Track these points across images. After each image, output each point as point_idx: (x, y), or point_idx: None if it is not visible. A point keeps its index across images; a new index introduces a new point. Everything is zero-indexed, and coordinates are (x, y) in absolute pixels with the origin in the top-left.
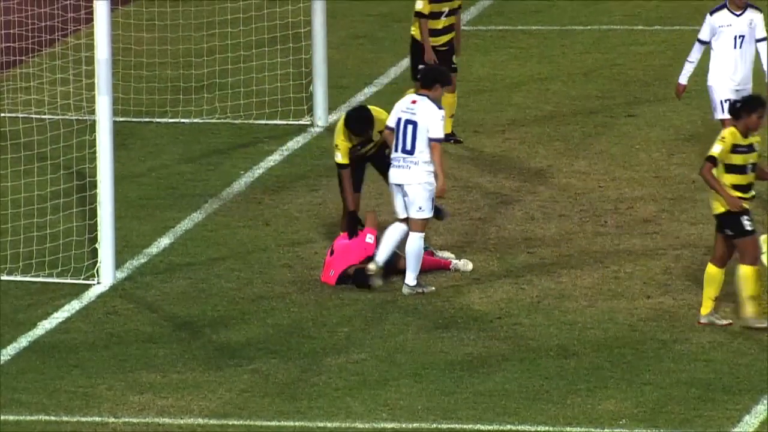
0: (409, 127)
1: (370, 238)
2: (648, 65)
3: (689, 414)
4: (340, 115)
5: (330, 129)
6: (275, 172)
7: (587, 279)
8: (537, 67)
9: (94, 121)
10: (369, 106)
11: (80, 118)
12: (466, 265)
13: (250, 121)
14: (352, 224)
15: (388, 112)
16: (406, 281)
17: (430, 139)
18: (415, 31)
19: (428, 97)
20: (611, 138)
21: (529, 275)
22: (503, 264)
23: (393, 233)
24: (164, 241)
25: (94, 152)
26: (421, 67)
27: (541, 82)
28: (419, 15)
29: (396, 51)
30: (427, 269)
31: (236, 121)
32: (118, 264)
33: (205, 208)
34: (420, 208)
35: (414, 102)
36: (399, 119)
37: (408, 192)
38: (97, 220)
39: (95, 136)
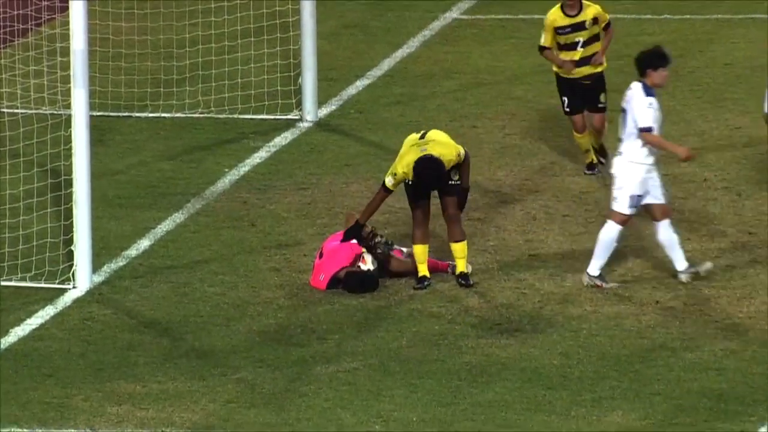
0: (622, 115)
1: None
2: None
3: (701, 426)
4: (329, 110)
5: (320, 124)
6: (261, 170)
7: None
8: (539, 58)
9: (70, 115)
10: (438, 156)
11: (55, 112)
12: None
13: (235, 116)
14: (354, 233)
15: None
16: (589, 269)
17: (638, 129)
18: (555, 68)
19: (643, 83)
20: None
21: (531, 279)
22: (503, 267)
23: (604, 234)
24: (144, 243)
25: (70, 149)
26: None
27: (543, 74)
28: (542, 49)
29: (390, 41)
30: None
31: (220, 116)
32: (95, 267)
33: (188, 208)
34: (614, 198)
35: (630, 89)
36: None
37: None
38: (72, 221)
39: (71, 131)
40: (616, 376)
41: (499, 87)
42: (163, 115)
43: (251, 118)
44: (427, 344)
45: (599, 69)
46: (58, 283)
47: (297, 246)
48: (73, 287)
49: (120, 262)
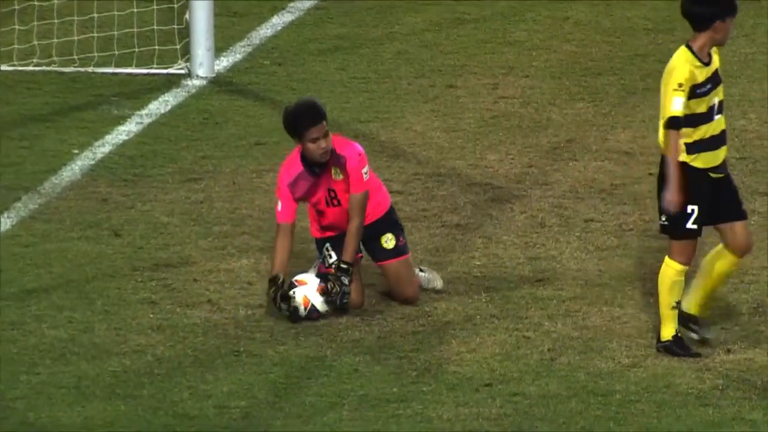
0: None
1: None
2: None
3: None
4: (233, 61)
5: (218, 81)
6: (130, 152)
7: (630, 322)
8: None
9: None
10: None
11: None
12: (433, 280)
13: (90, 70)
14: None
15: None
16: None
17: None
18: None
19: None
20: None
21: (538, 316)
22: (496, 298)
23: None
24: None
25: None
26: None
27: (557, 7)
28: (675, 123)
29: None
30: None
31: (66, 70)
32: None
33: (16, 210)
34: None
35: None
36: None
37: None
38: None
39: None
40: None
41: (488, 26)
42: None
43: (114, 73)
44: (380, 413)
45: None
46: None
47: (183, 267)
48: None
49: None
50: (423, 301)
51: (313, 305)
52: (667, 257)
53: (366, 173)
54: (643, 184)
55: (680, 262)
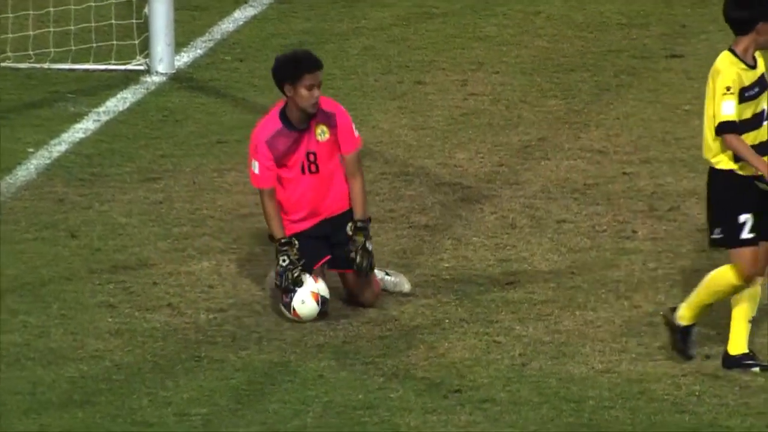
0: None
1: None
2: None
3: None
4: (193, 57)
5: (179, 78)
6: (87, 150)
7: (604, 326)
8: None
9: None
10: None
11: None
12: (400, 284)
13: (46, 66)
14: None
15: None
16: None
17: None
18: (729, 161)
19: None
20: (643, 93)
21: (508, 320)
22: (465, 301)
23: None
24: None
25: None
26: None
27: (528, 1)
28: (729, 127)
29: None
30: None
31: (22, 66)
32: None
33: None
34: None
35: None
36: None
37: None
38: None
39: None
40: None
41: (458, 21)
42: None
43: (70, 69)
44: (346, 421)
45: None
46: None
47: (142, 269)
48: None
49: None
50: (390, 304)
51: (291, 298)
52: (729, 265)
53: (356, 130)
54: (616, 183)
55: (739, 277)
